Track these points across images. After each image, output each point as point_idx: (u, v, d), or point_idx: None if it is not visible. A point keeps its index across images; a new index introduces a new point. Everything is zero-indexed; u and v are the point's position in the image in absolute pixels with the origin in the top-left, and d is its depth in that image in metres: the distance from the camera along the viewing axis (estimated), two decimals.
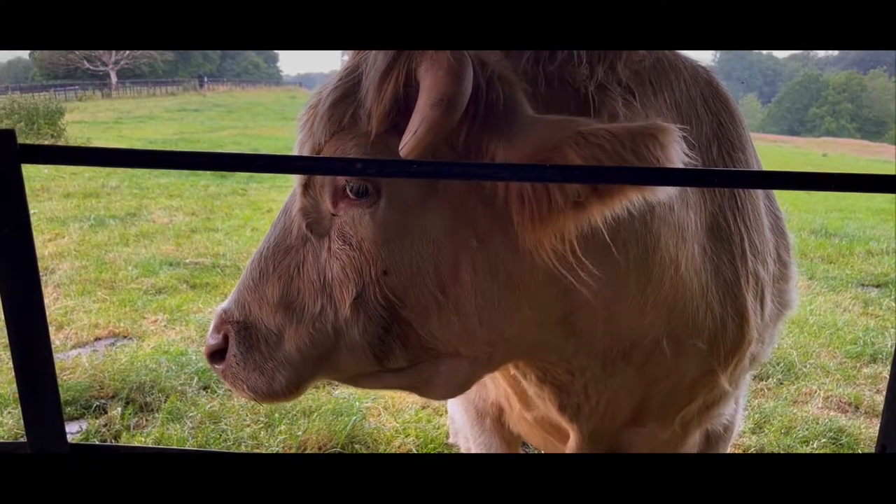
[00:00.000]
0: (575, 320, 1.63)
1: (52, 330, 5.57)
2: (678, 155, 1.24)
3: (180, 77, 76.84)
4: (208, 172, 14.16)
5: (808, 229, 10.63)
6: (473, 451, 2.53)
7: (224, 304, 1.64)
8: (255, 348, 1.58)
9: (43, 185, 12.64)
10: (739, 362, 1.86)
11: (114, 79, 66.40)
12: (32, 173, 14.07)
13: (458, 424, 2.76)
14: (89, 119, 33.44)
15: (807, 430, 4.24)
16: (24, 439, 1.19)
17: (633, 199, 1.29)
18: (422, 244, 1.44)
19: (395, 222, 1.43)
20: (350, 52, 1.53)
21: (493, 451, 2.43)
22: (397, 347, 1.53)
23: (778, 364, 5.18)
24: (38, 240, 8.37)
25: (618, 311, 1.65)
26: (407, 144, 1.27)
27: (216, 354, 1.64)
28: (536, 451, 3.42)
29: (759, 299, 1.84)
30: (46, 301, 4.91)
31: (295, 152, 1.52)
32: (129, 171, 14.55)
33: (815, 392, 4.77)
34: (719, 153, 1.80)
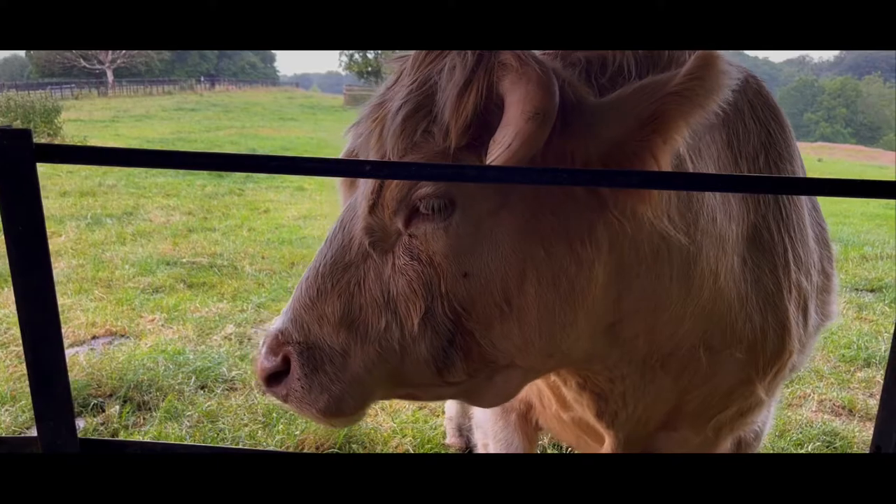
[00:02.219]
0: (620, 329, 1.66)
1: None
2: (726, 60, 1.29)
3: (177, 76, 76.75)
4: (205, 172, 14.16)
5: None
6: (491, 445, 2.52)
7: (277, 325, 1.58)
8: (320, 370, 1.53)
9: (41, 182, 12.60)
10: (779, 372, 1.87)
11: (110, 77, 66.27)
12: None
13: (478, 419, 2.74)
14: (86, 117, 33.39)
15: (800, 433, 4.26)
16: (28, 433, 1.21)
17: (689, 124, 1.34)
18: (491, 256, 1.45)
19: (468, 235, 1.43)
20: (396, 59, 1.52)
21: (513, 447, 2.43)
22: (459, 359, 1.53)
23: None
24: None
25: (659, 320, 1.67)
26: (499, 157, 1.27)
27: (273, 378, 1.57)
28: (541, 450, 3.43)
29: (802, 310, 1.85)
30: None
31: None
32: (126, 169, 14.54)
33: (810, 395, 4.80)
34: (766, 163, 1.82)
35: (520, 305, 1.48)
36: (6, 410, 4.15)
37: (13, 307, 6.13)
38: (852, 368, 5.32)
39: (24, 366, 4.87)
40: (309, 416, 1.59)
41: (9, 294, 6.24)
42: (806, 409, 4.61)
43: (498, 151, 1.28)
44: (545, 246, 1.45)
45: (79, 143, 17.25)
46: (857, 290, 7.58)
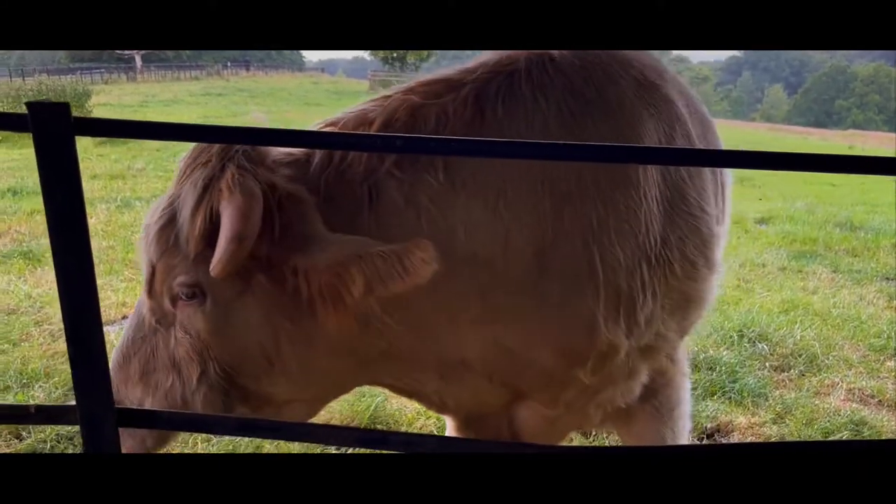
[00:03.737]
0: (388, 357, 1.91)
1: None
2: (428, 266, 1.56)
3: (204, 61, 77.19)
4: None
5: (833, 222, 10.51)
6: None
7: None
8: None
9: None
10: (603, 360, 1.97)
11: (139, 63, 66.81)
12: None
13: None
14: (115, 102, 33.74)
15: (828, 421, 4.22)
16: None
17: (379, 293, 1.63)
18: (245, 329, 1.76)
19: (220, 315, 1.75)
20: None
21: None
22: (238, 403, 1.86)
23: (800, 356, 5.16)
24: None
25: (420, 351, 1.92)
26: (214, 268, 1.57)
27: None
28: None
29: (623, 307, 1.94)
30: None
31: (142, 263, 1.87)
32: (154, 153, 14.71)
33: (838, 384, 4.74)
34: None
35: (281, 363, 1.80)
36: (40, 387, 4.24)
37: (47, 287, 6.26)
38: (882, 357, 5.25)
39: (57, 344, 4.97)
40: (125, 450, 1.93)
41: (42, 274, 6.36)
42: (834, 398, 4.56)
43: (213, 262, 1.57)
44: (290, 318, 1.75)
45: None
46: (887, 279, 7.45)
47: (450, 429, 2.43)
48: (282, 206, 1.66)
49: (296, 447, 3.64)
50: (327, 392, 2.03)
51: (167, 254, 1.75)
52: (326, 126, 1.86)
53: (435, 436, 1.77)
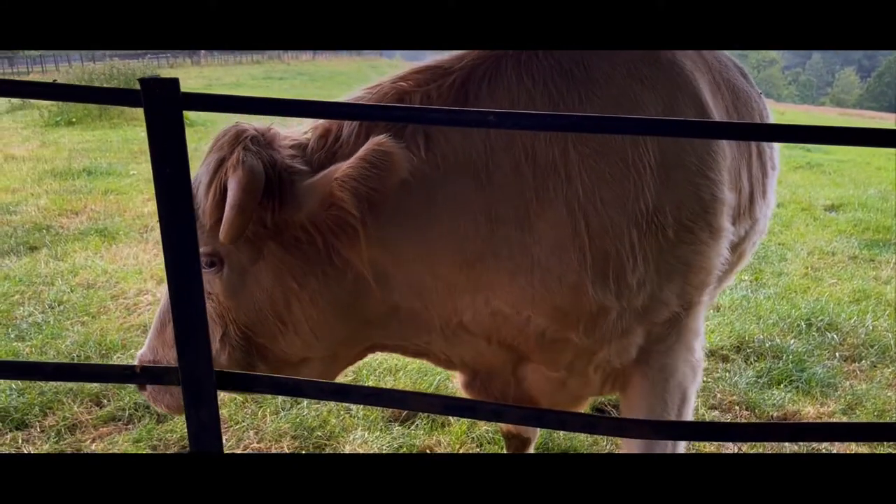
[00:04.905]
0: (395, 319, 2.07)
1: (152, 283, 5.89)
2: (398, 149, 1.74)
3: None
4: None
5: None
6: None
7: (143, 349, 2.12)
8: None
9: (140, 147, 13.21)
10: (593, 323, 2.05)
11: None
12: (130, 136, 14.72)
13: None
14: (181, 86, 34.55)
15: None
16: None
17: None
18: (258, 292, 1.94)
19: (236, 281, 1.93)
20: None
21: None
22: (259, 361, 2.03)
23: (872, 346, 5.01)
24: (138, 199, 8.80)
25: (422, 314, 2.05)
26: (222, 233, 1.75)
27: (141, 386, 2.16)
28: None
29: (613, 270, 2.00)
30: (147, 257, 5.18)
31: None
32: None
33: None
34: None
35: (293, 322, 1.97)
36: (117, 357, 4.44)
37: (122, 263, 6.51)
38: None
39: (132, 317, 5.18)
40: (160, 408, 2.14)
41: (116, 250, 6.62)
42: None
43: (222, 227, 1.75)
44: (297, 280, 1.92)
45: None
46: None
47: (459, 383, 2.59)
48: (281, 179, 1.84)
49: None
50: (338, 351, 2.15)
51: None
52: None
53: (519, 406, 1.81)
